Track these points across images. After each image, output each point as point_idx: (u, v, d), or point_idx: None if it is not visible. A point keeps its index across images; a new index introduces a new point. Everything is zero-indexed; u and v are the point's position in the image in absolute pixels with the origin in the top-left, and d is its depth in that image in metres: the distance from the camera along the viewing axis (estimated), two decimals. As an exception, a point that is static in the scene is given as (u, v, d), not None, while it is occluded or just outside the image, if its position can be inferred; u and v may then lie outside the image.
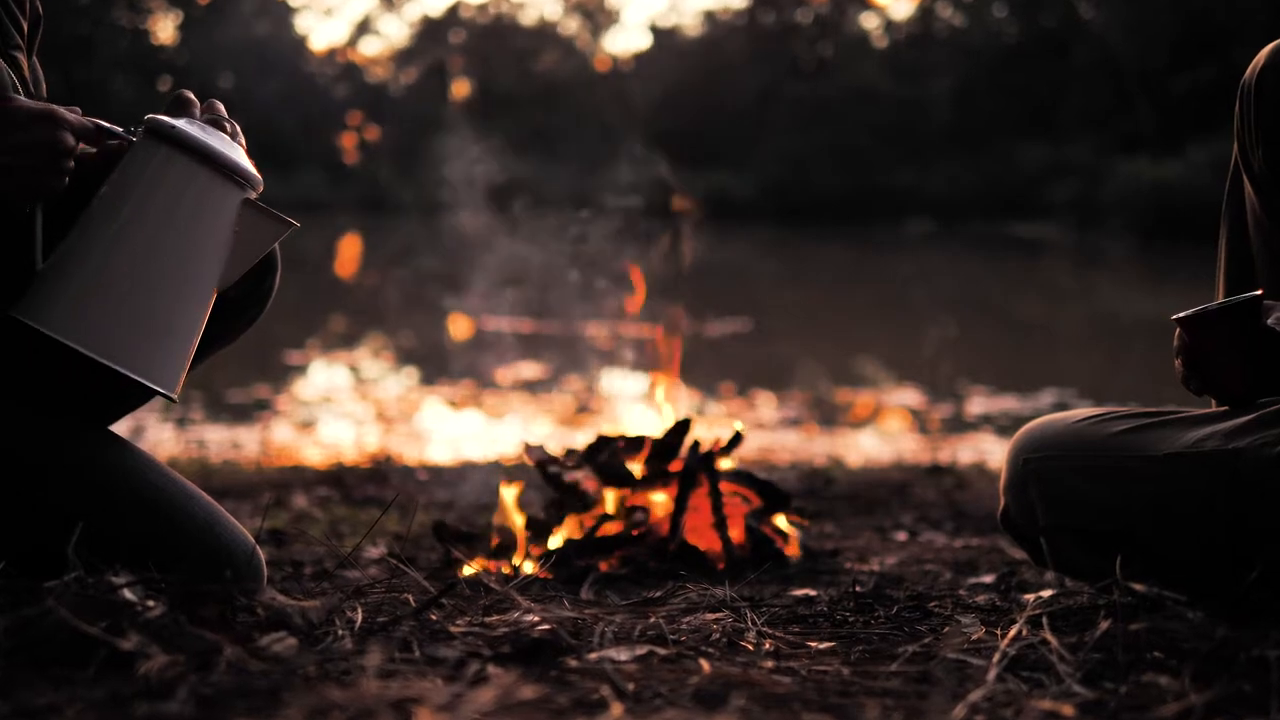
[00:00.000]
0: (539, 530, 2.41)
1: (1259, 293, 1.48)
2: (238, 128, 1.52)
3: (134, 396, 1.76)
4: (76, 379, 1.61)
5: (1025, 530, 1.63)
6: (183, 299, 1.47)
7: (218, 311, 1.71)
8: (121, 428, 1.71)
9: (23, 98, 1.42)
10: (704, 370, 7.52)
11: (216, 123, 1.49)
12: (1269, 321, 1.45)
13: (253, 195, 1.47)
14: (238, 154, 1.47)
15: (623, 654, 1.24)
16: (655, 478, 2.44)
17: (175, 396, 1.48)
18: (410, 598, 1.45)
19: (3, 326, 1.50)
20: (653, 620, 1.39)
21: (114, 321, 1.43)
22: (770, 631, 1.40)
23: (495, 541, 2.40)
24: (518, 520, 2.44)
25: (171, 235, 1.44)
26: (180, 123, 1.46)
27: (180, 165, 1.43)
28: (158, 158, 1.44)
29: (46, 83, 1.67)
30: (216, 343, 1.75)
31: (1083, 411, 1.63)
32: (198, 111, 1.50)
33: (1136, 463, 1.49)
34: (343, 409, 6.57)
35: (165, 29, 34.10)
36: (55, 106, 1.41)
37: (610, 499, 2.43)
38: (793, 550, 2.43)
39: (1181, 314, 1.49)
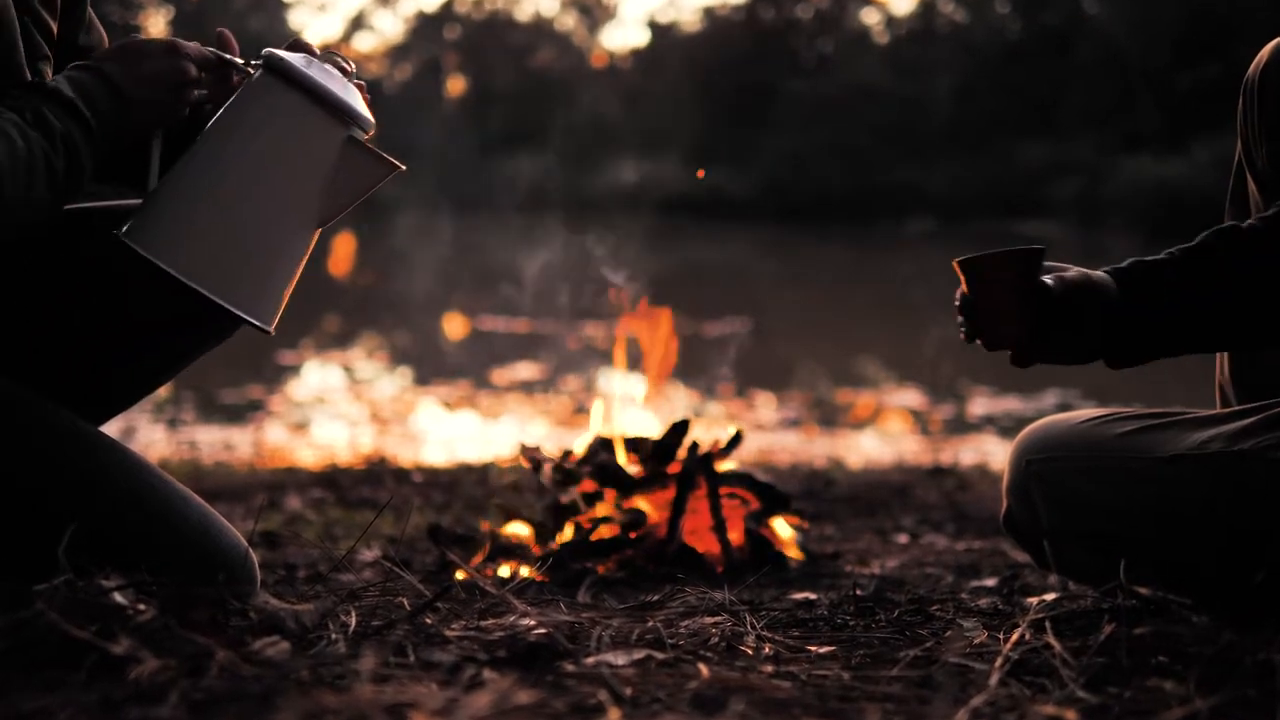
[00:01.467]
0: (535, 533, 2.41)
1: (1042, 247, 1.49)
2: (353, 71, 1.55)
3: (125, 397, 1.75)
4: (69, 380, 1.61)
5: (1028, 533, 1.63)
6: (283, 233, 1.51)
7: (203, 314, 1.71)
8: (112, 429, 1.71)
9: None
10: (703, 370, 7.52)
11: (334, 64, 1.53)
12: (1045, 278, 1.45)
13: (361, 136, 1.50)
14: (350, 94, 1.51)
15: (620, 658, 1.24)
16: (653, 479, 2.44)
17: (271, 330, 1.52)
18: (405, 601, 1.45)
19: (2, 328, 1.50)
20: (650, 624, 1.39)
21: (212, 251, 1.47)
22: (769, 635, 1.40)
23: (489, 545, 2.39)
24: (514, 523, 2.44)
25: (275, 168, 1.48)
26: (294, 58, 1.50)
27: (288, 99, 1.48)
28: (269, 91, 1.48)
29: None
30: (208, 342, 1.75)
31: (1086, 412, 1.63)
32: (316, 52, 1.54)
33: (1140, 465, 1.49)
34: (337, 410, 6.57)
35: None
36: (178, 39, 1.49)
37: (607, 501, 2.43)
38: (792, 553, 2.43)
39: (962, 257, 1.49)
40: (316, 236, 1.54)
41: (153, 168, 1.50)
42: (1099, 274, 1.49)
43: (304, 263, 1.54)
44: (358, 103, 1.51)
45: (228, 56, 1.54)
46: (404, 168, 1.52)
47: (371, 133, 1.53)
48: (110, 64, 1.47)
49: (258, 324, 1.50)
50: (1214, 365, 1.70)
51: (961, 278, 1.51)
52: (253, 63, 1.52)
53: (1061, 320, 1.48)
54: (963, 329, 1.52)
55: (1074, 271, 1.49)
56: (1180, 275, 1.47)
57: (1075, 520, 1.53)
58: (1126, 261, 1.50)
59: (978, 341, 1.52)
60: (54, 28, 1.52)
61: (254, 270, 1.49)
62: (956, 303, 1.52)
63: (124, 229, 1.47)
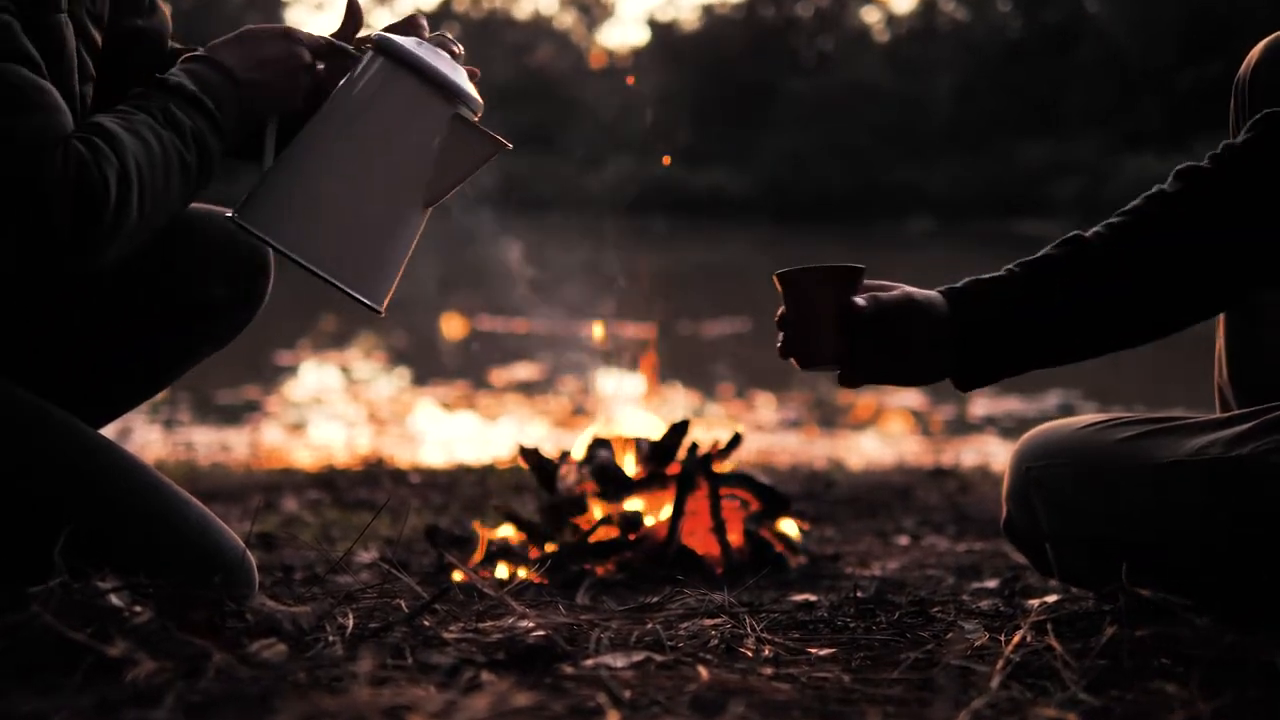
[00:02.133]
0: (533, 534, 2.41)
1: (862, 266, 1.47)
2: (461, 53, 1.59)
3: (125, 400, 1.75)
4: (69, 382, 1.61)
5: (1028, 539, 1.63)
6: (392, 212, 1.54)
7: (207, 314, 1.71)
8: (107, 430, 1.71)
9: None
10: (702, 371, 7.52)
11: (443, 44, 1.57)
12: (859, 298, 1.44)
13: (468, 114, 1.53)
14: (457, 74, 1.54)
15: (619, 661, 1.24)
16: (652, 481, 2.44)
17: (382, 311, 1.54)
18: (403, 603, 1.45)
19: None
20: (650, 626, 1.39)
21: (322, 229, 1.50)
22: (769, 637, 1.40)
23: (487, 547, 2.39)
24: (512, 525, 2.44)
25: (384, 147, 1.51)
26: (404, 40, 1.53)
27: (397, 78, 1.51)
28: (378, 72, 1.52)
29: None
30: (207, 346, 1.75)
31: (1086, 418, 1.63)
32: (426, 34, 1.58)
33: (1139, 471, 1.49)
34: (334, 410, 6.57)
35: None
36: (291, 26, 1.54)
37: (606, 502, 2.43)
38: (793, 555, 2.43)
39: (781, 271, 1.48)
40: (427, 216, 1.57)
41: (268, 150, 1.54)
42: (926, 294, 1.47)
43: (415, 243, 1.57)
44: (465, 82, 1.54)
45: (339, 42, 1.58)
46: (510, 145, 1.54)
47: (479, 113, 1.55)
48: (225, 52, 1.52)
49: (368, 302, 1.53)
50: (1212, 366, 1.70)
51: (780, 292, 1.49)
52: (364, 46, 1.56)
53: (878, 342, 1.46)
54: (779, 345, 1.51)
55: (896, 291, 1.47)
56: (1025, 289, 1.46)
57: (1075, 526, 1.53)
58: (962, 281, 1.48)
59: (792, 360, 1.49)
60: (99, 42, 1.53)
61: (363, 249, 1.52)
62: (776, 318, 1.51)
63: (235, 210, 1.51)
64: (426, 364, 8.30)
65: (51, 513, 1.41)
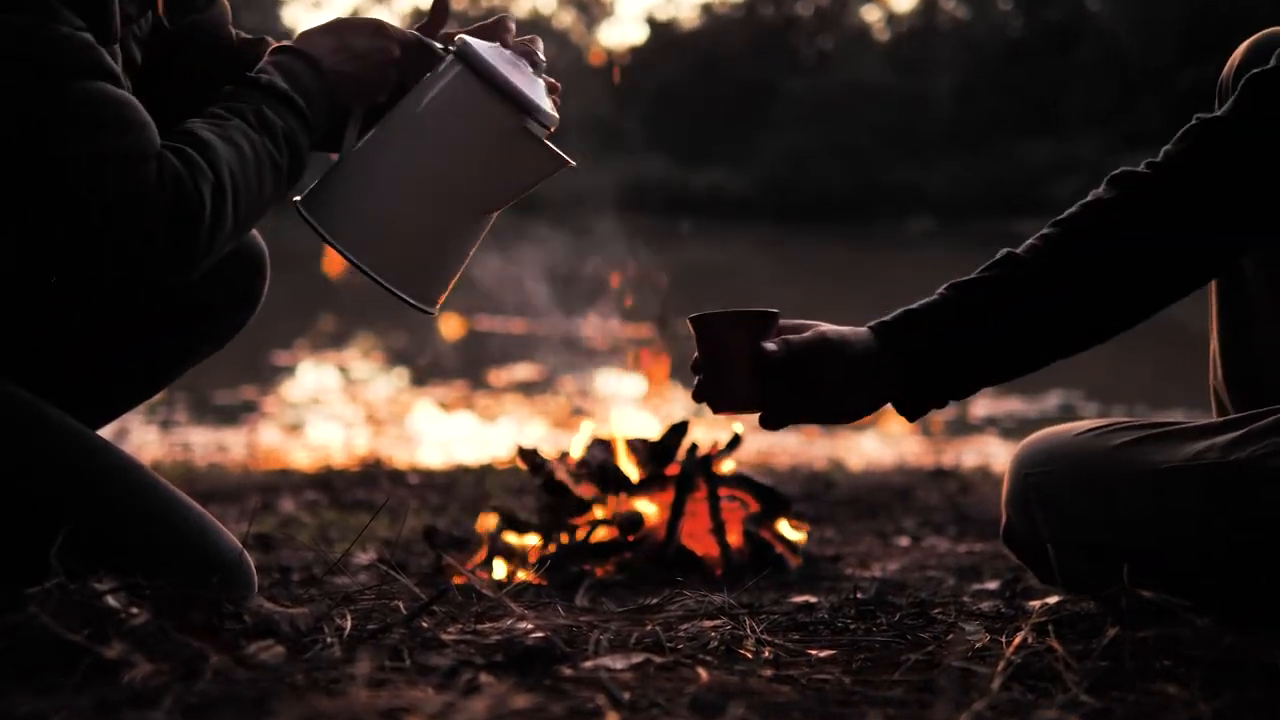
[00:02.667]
0: (533, 535, 2.41)
1: (775, 310, 1.48)
2: (544, 63, 1.59)
3: (124, 400, 1.75)
4: (68, 383, 1.61)
5: (1028, 545, 1.63)
6: (453, 220, 1.54)
7: (206, 315, 1.71)
8: (104, 431, 1.71)
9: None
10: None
11: (527, 52, 1.57)
12: (767, 343, 1.44)
13: (537, 129, 1.52)
14: (533, 87, 1.54)
15: (618, 662, 1.24)
16: (652, 481, 2.44)
17: (433, 312, 1.55)
18: (401, 605, 1.45)
19: None
20: (649, 627, 1.39)
21: (382, 235, 1.51)
22: (769, 639, 1.40)
23: (486, 548, 2.39)
24: (511, 526, 2.44)
25: (448, 153, 1.52)
26: (483, 46, 1.53)
27: (470, 87, 1.51)
28: (453, 77, 1.52)
29: None
30: (206, 347, 1.75)
31: (1084, 424, 1.63)
32: (510, 38, 1.58)
33: (1137, 477, 1.49)
34: (332, 411, 6.57)
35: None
36: (382, 19, 1.56)
37: (605, 503, 2.43)
38: (792, 556, 2.43)
39: (696, 314, 1.48)
40: (489, 223, 1.57)
41: (348, 142, 1.55)
42: (842, 332, 1.48)
43: (474, 249, 1.58)
44: (539, 96, 1.54)
45: (428, 40, 1.58)
46: (574, 163, 1.54)
47: (552, 127, 1.55)
48: (315, 43, 1.53)
49: (416, 303, 1.53)
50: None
51: (693, 335, 1.49)
52: (448, 47, 1.56)
53: (791, 385, 1.46)
54: (693, 389, 1.51)
55: (809, 333, 1.47)
56: (959, 311, 1.46)
57: (1075, 532, 1.53)
58: (893, 313, 1.49)
59: (705, 404, 1.50)
60: (139, 59, 1.53)
61: (418, 255, 1.53)
62: (691, 362, 1.51)
63: (301, 197, 1.52)
64: (424, 363, 8.30)
65: (50, 513, 1.41)
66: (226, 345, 1.79)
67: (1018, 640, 1.32)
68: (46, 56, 1.30)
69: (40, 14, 1.31)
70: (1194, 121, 1.48)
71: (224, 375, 6.77)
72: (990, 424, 6.20)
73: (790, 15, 35.74)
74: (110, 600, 1.20)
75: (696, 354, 1.50)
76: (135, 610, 1.19)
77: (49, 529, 1.34)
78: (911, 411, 1.51)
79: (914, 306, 1.48)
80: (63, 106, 1.31)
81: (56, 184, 1.31)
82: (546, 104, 1.54)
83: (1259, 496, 1.38)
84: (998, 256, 1.49)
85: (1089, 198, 1.50)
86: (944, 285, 1.49)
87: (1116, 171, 1.51)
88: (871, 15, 37.17)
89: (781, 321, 1.49)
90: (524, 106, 1.51)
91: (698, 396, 1.51)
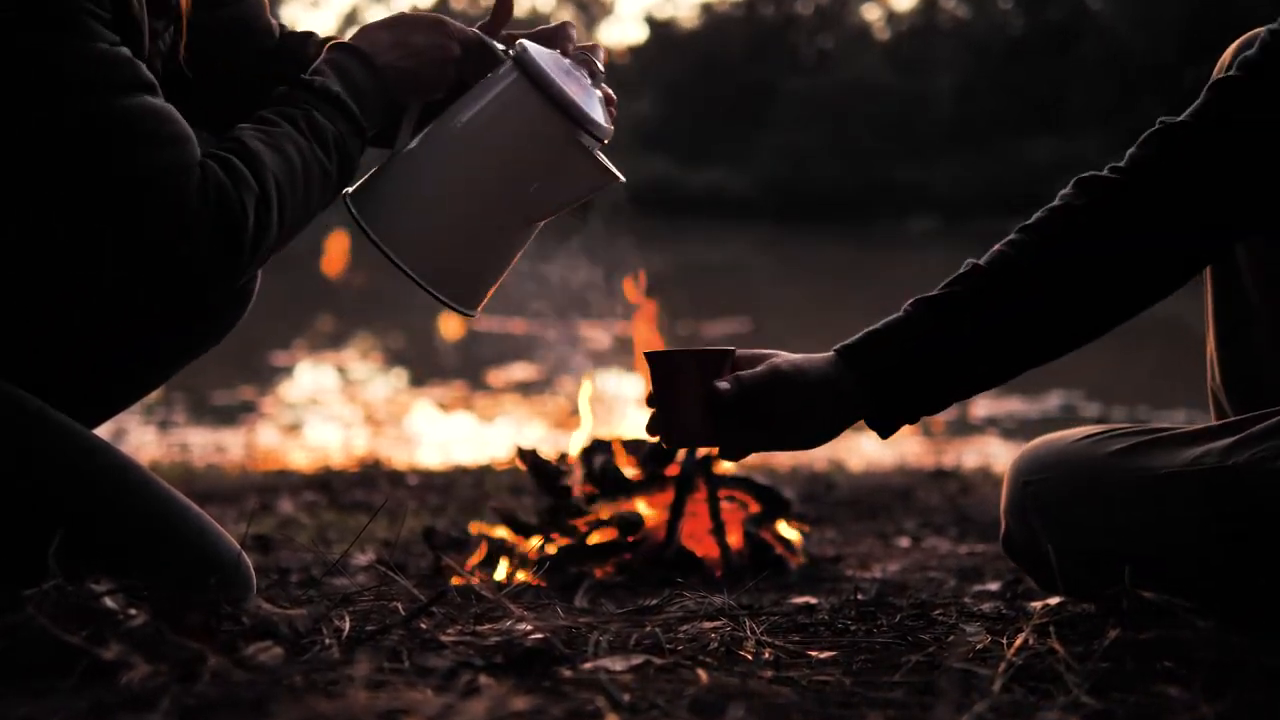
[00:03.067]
0: (532, 536, 2.41)
1: (731, 348, 1.49)
2: (603, 74, 1.57)
3: (121, 398, 1.75)
4: (65, 381, 1.61)
5: (1028, 554, 1.64)
6: (498, 227, 1.54)
7: (207, 313, 1.71)
8: (101, 431, 1.71)
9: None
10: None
11: (586, 62, 1.55)
12: (720, 381, 1.45)
13: (589, 141, 1.51)
14: (589, 99, 1.52)
15: (618, 664, 1.24)
16: (651, 482, 2.44)
17: (474, 314, 1.55)
18: (400, 606, 1.45)
19: None
20: (649, 629, 1.39)
21: (423, 234, 1.51)
22: (769, 640, 1.40)
23: (485, 549, 2.39)
24: (510, 527, 2.44)
25: (496, 160, 1.51)
26: (543, 54, 1.52)
27: (523, 95, 1.49)
28: (508, 84, 1.51)
29: None
30: (197, 346, 1.75)
31: (1081, 430, 1.63)
32: (571, 46, 1.58)
33: (1135, 483, 1.50)
34: (330, 411, 6.57)
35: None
36: (445, 17, 1.55)
37: (605, 504, 2.42)
38: (793, 557, 2.43)
39: (651, 351, 1.50)
40: (535, 231, 1.57)
41: (401, 138, 1.55)
42: (796, 361, 1.48)
43: (518, 256, 1.58)
44: (594, 109, 1.52)
45: (489, 40, 1.57)
46: (623, 179, 1.53)
47: (605, 141, 1.54)
48: (374, 38, 1.52)
49: (459, 308, 1.53)
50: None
51: (649, 370, 1.51)
52: (508, 50, 1.55)
53: (743, 420, 1.48)
54: (647, 422, 1.53)
55: (762, 366, 1.48)
56: (930, 325, 1.47)
57: (1075, 540, 1.53)
58: (857, 335, 1.49)
59: (658, 439, 1.51)
60: (160, 71, 1.52)
61: (455, 255, 1.53)
62: (645, 396, 1.53)
63: (350, 191, 1.52)
64: (423, 364, 8.30)
65: (48, 513, 1.41)
66: (222, 343, 1.79)
67: (1019, 641, 1.32)
68: (87, 74, 1.31)
69: (76, 32, 1.31)
70: (1158, 125, 1.49)
71: (222, 375, 6.78)
72: (991, 424, 6.20)
73: (790, 14, 35.75)
74: (108, 601, 1.19)
75: (649, 390, 1.52)
76: (133, 612, 1.19)
77: (46, 529, 1.34)
78: (883, 429, 1.52)
79: (878, 326, 1.49)
80: (105, 124, 1.31)
81: (98, 200, 1.32)
82: (601, 117, 1.53)
83: (1258, 500, 1.38)
84: (963, 270, 1.50)
85: (1056, 202, 1.51)
86: (908, 302, 1.50)
87: (1082, 176, 1.51)
88: (872, 14, 37.20)
89: (740, 351, 1.51)
90: (578, 119, 1.49)
91: (650, 430, 1.53)
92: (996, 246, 1.50)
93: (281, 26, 1.70)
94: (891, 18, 36.43)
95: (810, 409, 1.48)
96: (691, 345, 1.55)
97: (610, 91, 1.58)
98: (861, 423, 1.52)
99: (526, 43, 1.54)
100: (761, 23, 35.36)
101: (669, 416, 1.50)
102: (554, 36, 1.59)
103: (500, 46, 1.57)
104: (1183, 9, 27.22)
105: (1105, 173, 1.50)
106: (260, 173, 1.38)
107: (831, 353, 1.49)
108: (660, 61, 33.83)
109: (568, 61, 1.54)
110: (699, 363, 1.48)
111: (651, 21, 37.86)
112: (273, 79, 1.52)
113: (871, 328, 1.49)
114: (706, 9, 37.28)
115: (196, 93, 1.56)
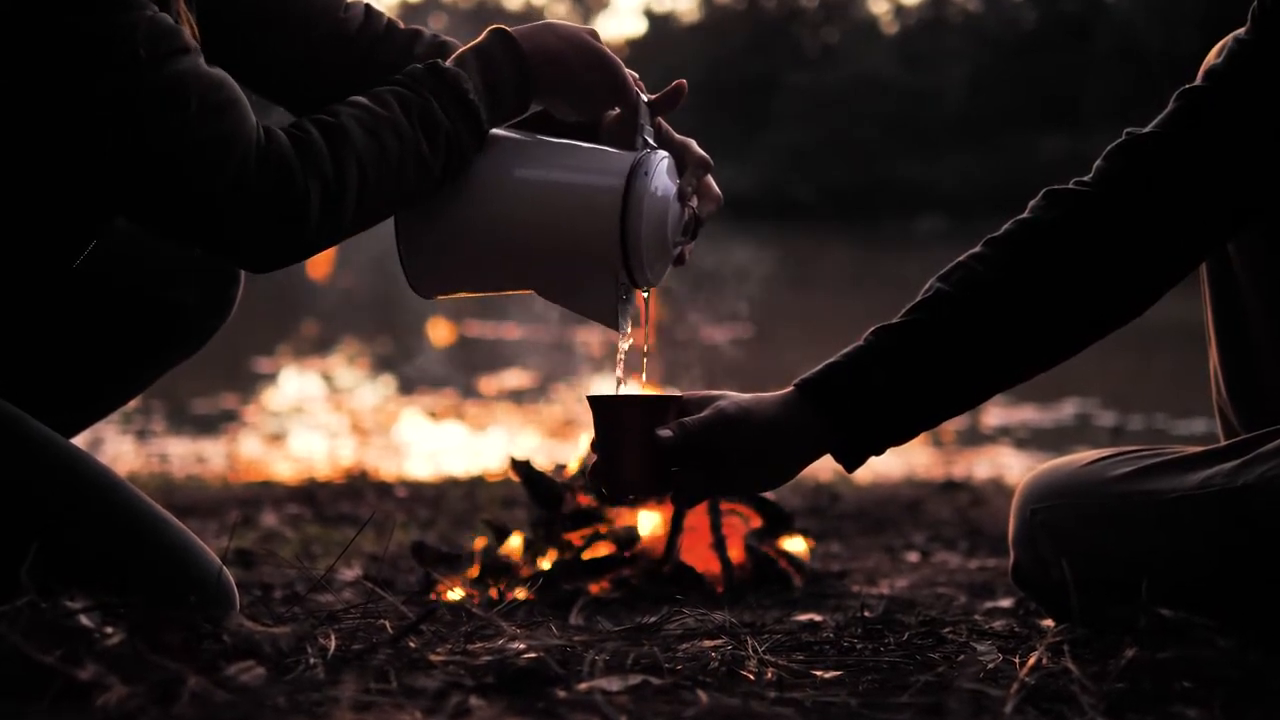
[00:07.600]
0: (525, 551, 2.41)
1: (676, 395, 1.50)
2: (693, 195, 1.54)
3: (100, 406, 1.75)
4: (41, 389, 1.61)
5: (1038, 584, 1.64)
6: (499, 271, 1.55)
7: (180, 319, 1.72)
8: (78, 441, 1.71)
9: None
10: (702, 377, 7.51)
11: (685, 198, 1.52)
12: (661, 429, 1.46)
13: (624, 280, 1.50)
14: (661, 241, 1.49)
15: (615, 684, 1.24)
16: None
17: (426, 297, 1.56)
18: (387, 624, 1.45)
19: None
20: (647, 648, 1.39)
21: (440, 239, 1.51)
22: (772, 660, 1.40)
23: (476, 564, 2.39)
24: (502, 541, 2.44)
25: (544, 237, 1.50)
26: (660, 179, 1.48)
27: (611, 208, 1.46)
28: (608, 186, 1.47)
29: None
30: (178, 353, 1.75)
31: (1087, 455, 1.64)
32: (693, 155, 1.55)
33: (1144, 509, 1.50)
34: (316, 420, 6.57)
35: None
36: (620, 63, 1.52)
37: (601, 517, 2.42)
38: (796, 572, 2.43)
39: (592, 395, 1.51)
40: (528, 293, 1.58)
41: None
42: (743, 402, 1.49)
43: (505, 293, 1.60)
44: (659, 256, 1.51)
45: (642, 120, 1.53)
46: (621, 335, 1.54)
47: (641, 289, 1.53)
48: (538, 39, 1.52)
49: (413, 282, 1.54)
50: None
51: (591, 416, 1.52)
52: (645, 137, 1.53)
53: (688, 466, 1.48)
54: (590, 470, 1.53)
55: (708, 410, 1.48)
56: (903, 355, 1.47)
57: (1086, 568, 1.53)
58: (816, 368, 1.50)
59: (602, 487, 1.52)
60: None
61: (446, 261, 1.53)
62: (590, 443, 1.54)
63: (406, 212, 1.51)
64: (412, 371, 8.30)
65: (22, 526, 1.41)
66: (200, 352, 1.79)
67: (1032, 661, 1.32)
68: (129, 43, 1.28)
69: (115, 3, 1.29)
70: (1125, 136, 1.50)
71: (203, 383, 6.77)
72: (1004, 434, 6.20)
73: (794, 7, 35.82)
74: (83, 619, 1.19)
75: (593, 437, 1.52)
76: (109, 630, 1.19)
77: (20, 543, 1.34)
78: (849, 464, 1.54)
79: (838, 359, 1.49)
80: (151, 94, 1.28)
81: (145, 172, 1.30)
82: (657, 268, 1.51)
83: (1269, 519, 1.38)
84: (927, 293, 1.49)
85: (1025, 216, 1.51)
86: (870, 331, 1.50)
87: (1052, 188, 1.52)
88: (879, 7, 37.38)
89: (686, 395, 1.52)
90: (633, 265, 1.49)
91: (592, 477, 1.53)
92: (962, 259, 1.50)
93: (384, 16, 1.67)
94: (900, 11, 36.56)
95: (760, 450, 1.49)
96: (652, 379, 1.58)
97: (695, 208, 1.55)
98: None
99: (656, 160, 1.50)
100: (764, 16, 35.43)
101: (609, 465, 1.50)
102: (680, 152, 1.55)
103: (648, 128, 1.54)
104: None
105: (1073, 186, 1.50)
106: (340, 152, 1.35)
107: (791, 388, 1.50)
108: (659, 56, 33.86)
109: (675, 187, 1.51)
110: (642, 410, 1.49)
111: (650, 15, 37.94)
112: (344, 69, 1.52)
113: (831, 360, 1.49)
114: (707, 2, 37.36)
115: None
